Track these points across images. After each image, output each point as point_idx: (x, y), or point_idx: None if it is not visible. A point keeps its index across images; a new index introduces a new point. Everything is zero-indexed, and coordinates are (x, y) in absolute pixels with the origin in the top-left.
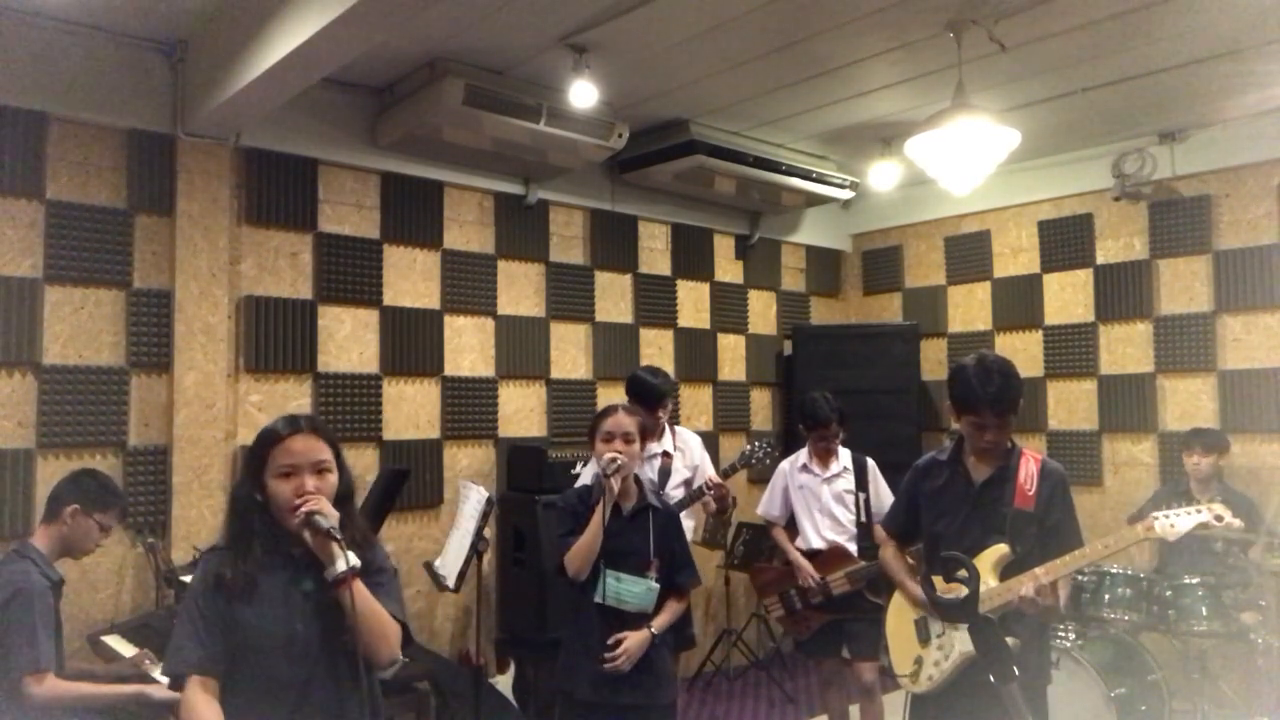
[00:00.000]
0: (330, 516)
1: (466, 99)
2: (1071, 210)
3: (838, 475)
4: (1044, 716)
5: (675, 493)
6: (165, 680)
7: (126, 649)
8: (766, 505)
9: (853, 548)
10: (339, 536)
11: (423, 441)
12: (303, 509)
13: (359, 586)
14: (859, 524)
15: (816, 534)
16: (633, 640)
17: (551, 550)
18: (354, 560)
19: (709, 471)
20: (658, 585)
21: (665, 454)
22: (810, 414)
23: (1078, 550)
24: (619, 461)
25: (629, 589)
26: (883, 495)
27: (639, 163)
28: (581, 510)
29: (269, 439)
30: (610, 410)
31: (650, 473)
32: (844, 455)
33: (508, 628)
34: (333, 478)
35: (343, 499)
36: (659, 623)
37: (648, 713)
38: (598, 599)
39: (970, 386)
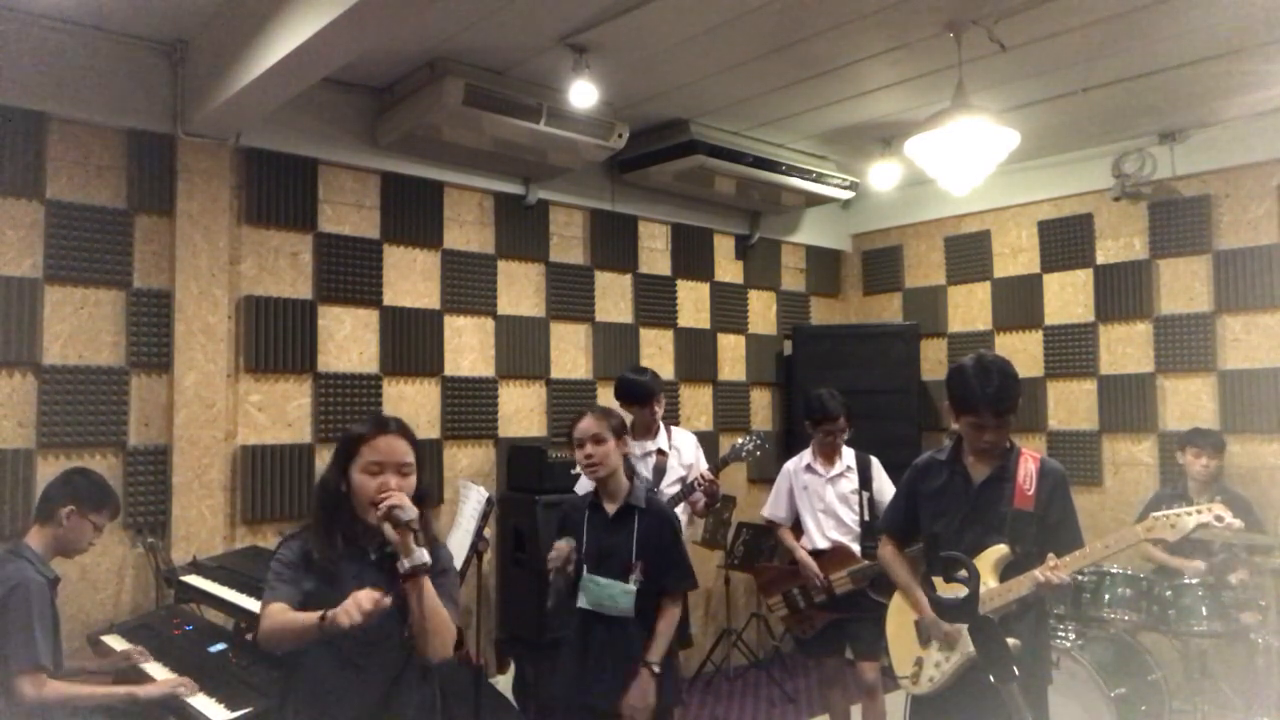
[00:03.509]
0: (410, 511)
1: (466, 99)
2: (1071, 210)
3: (841, 475)
4: (1044, 717)
5: (670, 490)
6: (158, 676)
7: (125, 649)
8: (772, 507)
9: (856, 548)
10: (418, 529)
11: (423, 441)
12: (384, 503)
13: (427, 583)
14: (863, 523)
15: (820, 534)
16: (636, 694)
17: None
18: (426, 557)
19: (703, 469)
20: (634, 589)
21: (660, 452)
22: (818, 408)
23: (1082, 549)
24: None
25: (606, 592)
26: (887, 494)
27: (639, 163)
28: (577, 519)
29: (361, 435)
30: (578, 416)
31: (645, 471)
32: (847, 454)
33: (508, 628)
34: (413, 480)
35: (417, 501)
36: (656, 653)
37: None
38: (580, 604)
39: (969, 386)
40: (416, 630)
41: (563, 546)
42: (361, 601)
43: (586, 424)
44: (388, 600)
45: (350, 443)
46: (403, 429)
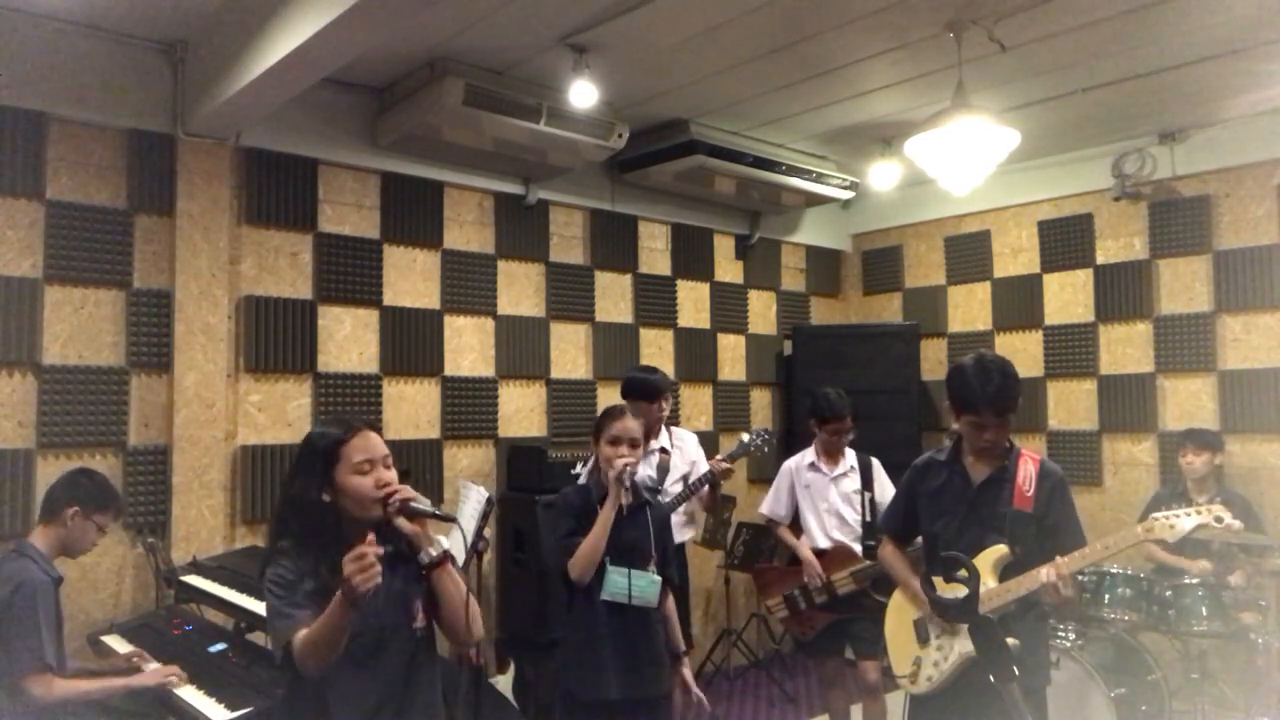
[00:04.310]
0: (423, 500)
1: (466, 99)
2: (1071, 210)
3: (844, 475)
4: (1043, 717)
5: (673, 489)
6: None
7: (125, 649)
8: (771, 505)
9: (858, 548)
10: (451, 516)
11: (423, 441)
12: (397, 497)
13: (450, 568)
14: (865, 524)
15: (823, 533)
16: (691, 684)
17: (553, 550)
18: (445, 543)
19: (705, 468)
20: (659, 579)
21: (663, 450)
22: (826, 408)
23: (1083, 549)
24: (633, 471)
25: (635, 583)
26: (888, 495)
27: (639, 163)
28: (582, 510)
29: (338, 438)
30: (618, 413)
31: (649, 469)
32: (850, 455)
33: (508, 628)
34: (394, 471)
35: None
36: (677, 639)
37: (657, 703)
38: (604, 596)
39: (970, 386)
40: (450, 616)
41: (628, 456)
42: (356, 558)
43: (631, 425)
44: (378, 548)
45: (330, 448)
46: (370, 424)
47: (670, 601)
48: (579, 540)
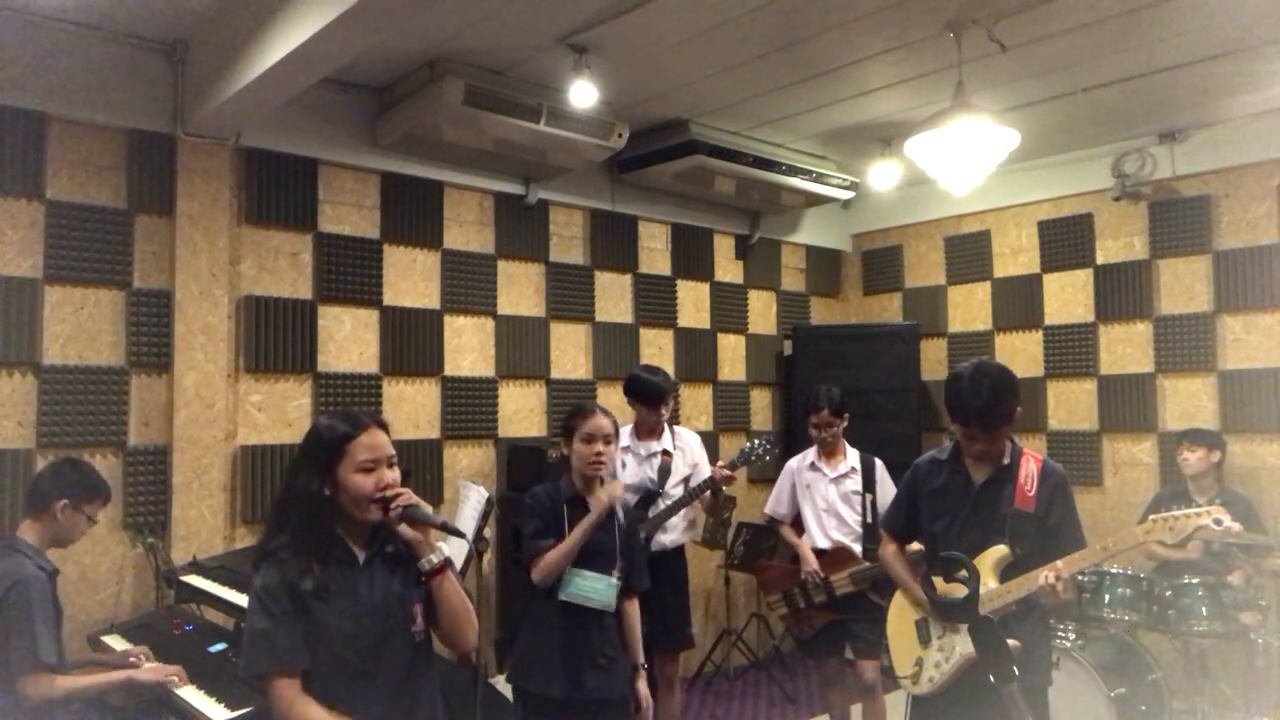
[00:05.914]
0: (426, 507)
1: (466, 99)
2: (1071, 210)
3: (845, 475)
4: (1045, 717)
5: (675, 491)
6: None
7: (126, 649)
8: (774, 504)
9: (857, 548)
10: (456, 529)
11: (423, 441)
12: (399, 502)
13: (450, 576)
14: (864, 525)
15: (822, 533)
16: (645, 688)
17: (524, 547)
18: (446, 550)
19: (707, 470)
20: (619, 583)
21: (665, 452)
22: (808, 399)
23: (1084, 550)
24: (616, 496)
25: (593, 586)
26: (889, 497)
27: (639, 163)
28: (549, 509)
29: (344, 434)
30: (590, 411)
31: (650, 471)
32: (852, 455)
33: (508, 628)
34: (399, 470)
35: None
36: (636, 653)
37: (608, 705)
38: (562, 596)
39: (961, 398)
40: (449, 624)
41: (619, 486)
42: None
43: (603, 423)
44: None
45: (335, 443)
46: (379, 421)
47: (633, 611)
48: (545, 543)
